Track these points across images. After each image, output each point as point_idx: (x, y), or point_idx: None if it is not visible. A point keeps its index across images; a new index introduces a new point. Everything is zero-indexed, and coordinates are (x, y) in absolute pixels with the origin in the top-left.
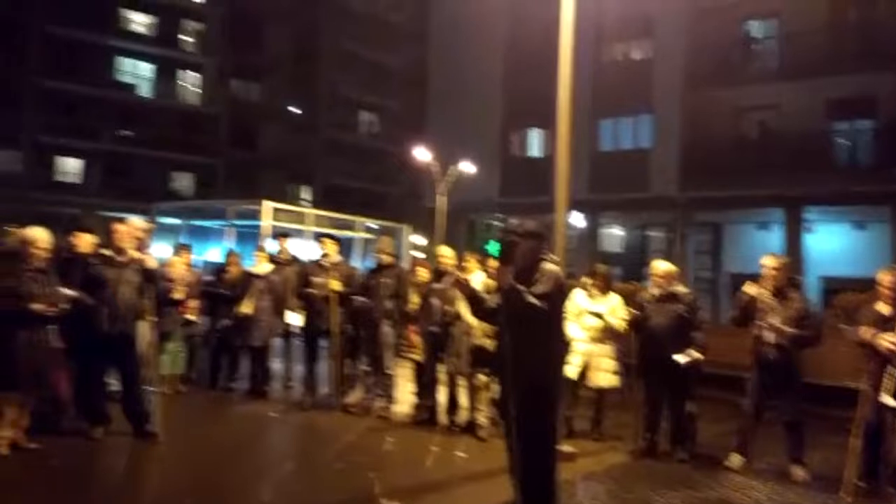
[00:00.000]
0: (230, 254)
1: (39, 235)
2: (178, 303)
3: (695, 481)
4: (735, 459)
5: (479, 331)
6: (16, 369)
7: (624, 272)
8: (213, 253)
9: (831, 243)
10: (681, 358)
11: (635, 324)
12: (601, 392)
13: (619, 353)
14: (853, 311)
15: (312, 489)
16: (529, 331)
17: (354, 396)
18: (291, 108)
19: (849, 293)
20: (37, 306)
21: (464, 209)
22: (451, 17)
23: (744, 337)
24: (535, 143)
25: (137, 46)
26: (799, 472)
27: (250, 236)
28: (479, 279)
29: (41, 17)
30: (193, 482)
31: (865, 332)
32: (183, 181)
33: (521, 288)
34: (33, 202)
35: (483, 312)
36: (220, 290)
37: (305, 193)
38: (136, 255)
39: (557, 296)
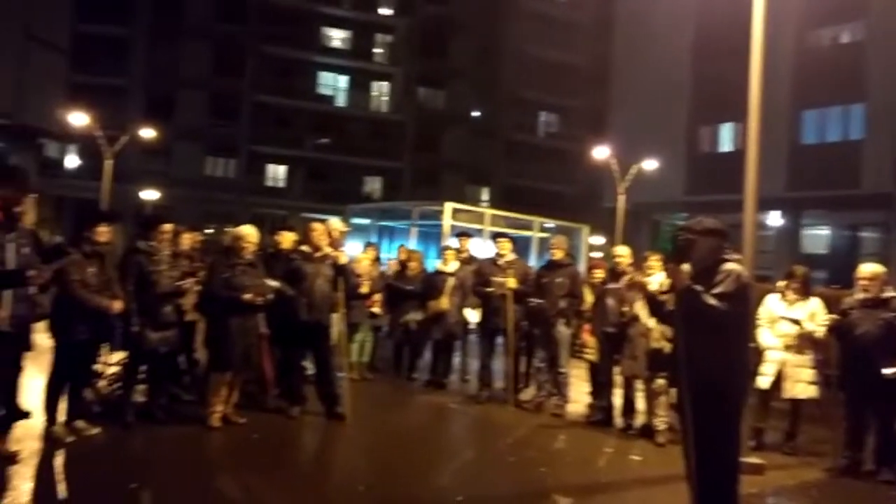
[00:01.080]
0: (411, 251)
1: (248, 232)
2: (365, 296)
3: None
4: None
5: (657, 333)
6: (230, 352)
7: (829, 276)
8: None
9: None
10: (890, 371)
11: (838, 331)
12: (796, 404)
13: (818, 362)
14: None
15: (486, 479)
16: (707, 334)
17: (528, 393)
18: (473, 113)
19: None
20: (247, 296)
21: (646, 209)
22: (636, 10)
23: None
24: (726, 138)
25: (336, 60)
26: None
27: (433, 235)
28: (658, 280)
29: (257, 37)
30: (376, 462)
31: None
32: (374, 184)
33: (699, 289)
34: (247, 205)
35: (662, 315)
36: (402, 286)
37: (484, 194)
38: (331, 251)
39: (740, 298)
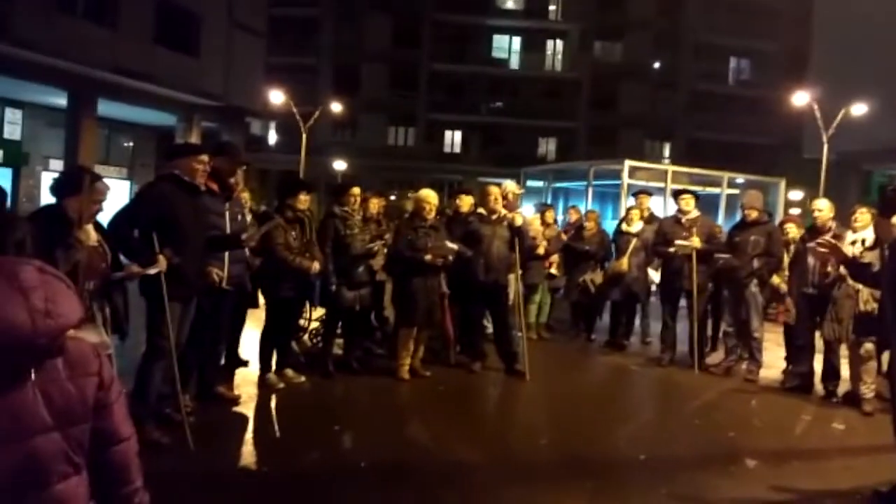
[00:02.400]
0: (588, 211)
1: (429, 195)
2: (542, 257)
3: None
4: None
5: (866, 294)
6: (414, 309)
7: None
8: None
9: None
10: None
11: None
12: None
13: None
14: None
15: (670, 440)
16: None
17: (715, 357)
18: (653, 65)
19: None
20: (428, 257)
21: (854, 158)
22: None
23: None
24: None
25: (510, 22)
26: None
27: (610, 195)
28: (869, 236)
29: (433, 5)
30: (556, 418)
31: None
32: (548, 146)
33: None
34: (426, 171)
35: (863, 277)
36: (580, 246)
37: (665, 150)
38: (506, 213)
39: None
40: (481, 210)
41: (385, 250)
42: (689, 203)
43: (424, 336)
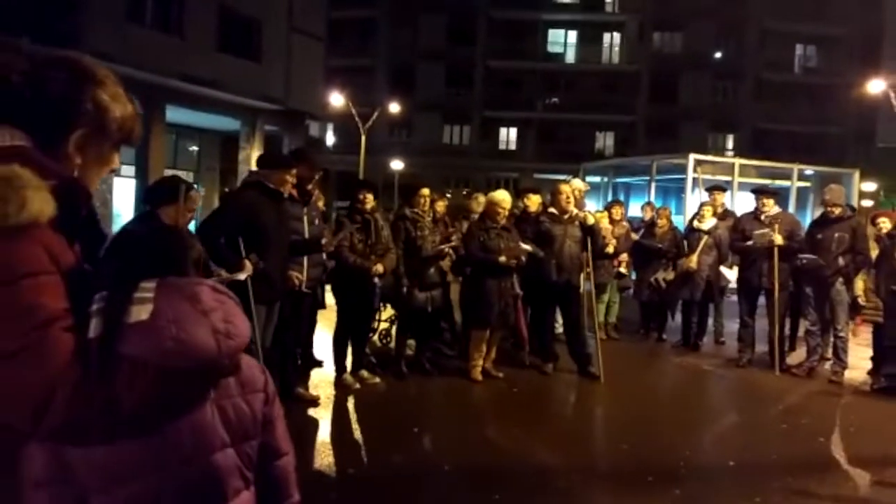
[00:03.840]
0: (660, 209)
1: (502, 197)
2: (612, 256)
3: None
4: None
5: None
6: (488, 311)
7: None
8: (635, 208)
9: None
10: None
11: None
12: None
13: None
14: None
15: (757, 445)
16: None
17: (797, 358)
18: (715, 55)
19: None
20: (502, 258)
21: None
22: None
23: None
24: None
25: (565, 16)
26: None
27: (673, 190)
28: None
29: (486, 2)
30: (634, 421)
31: None
32: (606, 140)
33: None
34: (481, 169)
35: None
36: (652, 243)
37: (729, 142)
38: (578, 212)
39: None
40: (552, 209)
41: (452, 252)
42: (770, 207)
43: (497, 337)
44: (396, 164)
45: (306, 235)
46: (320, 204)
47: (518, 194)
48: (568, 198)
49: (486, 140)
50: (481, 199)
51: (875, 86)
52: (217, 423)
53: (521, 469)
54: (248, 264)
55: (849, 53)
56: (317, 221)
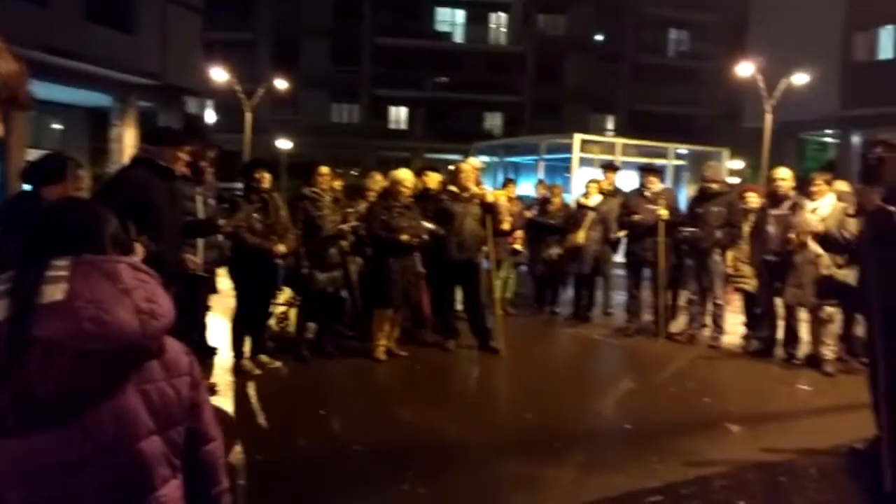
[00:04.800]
0: (552, 186)
1: (405, 176)
2: (507, 233)
3: None
4: None
5: (826, 259)
6: (391, 290)
7: None
8: (526, 187)
9: None
10: None
11: None
12: None
13: None
14: None
15: (651, 409)
16: None
17: (679, 325)
18: (596, 37)
19: None
20: (405, 237)
21: (791, 128)
22: None
23: None
24: (887, 43)
25: None
26: None
27: (560, 169)
28: (829, 203)
29: None
30: (537, 392)
31: None
32: (494, 120)
33: (893, 209)
34: (372, 148)
35: (838, 246)
36: (546, 220)
37: (609, 123)
38: (478, 190)
39: None
40: (452, 188)
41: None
42: (655, 184)
43: (400, 316)
44: (283, 144)
45: (201, 216)
46: (213, 180)
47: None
48: (469, 176)
49: (376, 119)
50: (378, 177)
51: (744, 69)
52: (141, 409)
53: (431, 444)
54: (138, 247)
55: (718, 38)
56: (211, 201)
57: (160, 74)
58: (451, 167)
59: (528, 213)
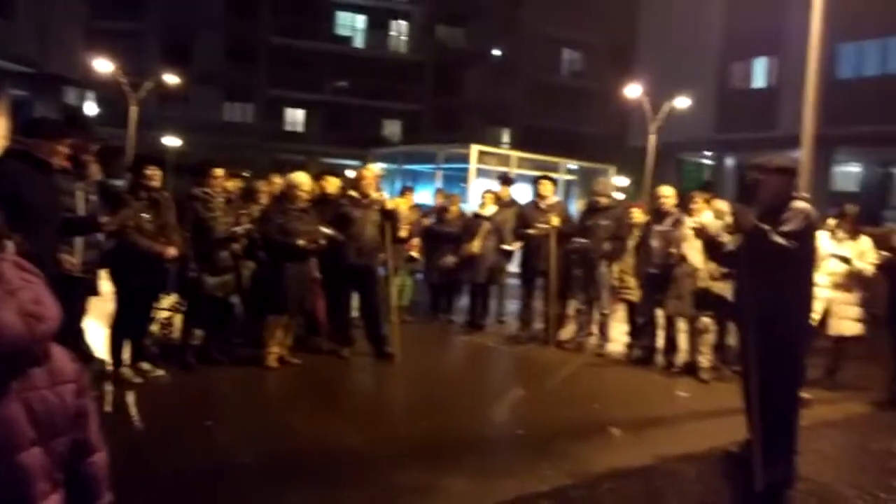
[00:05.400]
0: (451, 195)
1: (302, 180)
2: (404, 241)
3: None
4: None
5: (704, 273)
6: (285, 296)
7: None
8: (423, 195)
9: None
10: None
11: (887, 269)
12: (840, 341)
13: (864, 300)
14: None
15: (542, 414)
16: (774, 273)
17: (568, 333)
18: (494, 52)
19: None
20: (301, 242)
21: (672, 148)
22: None
23: None
24: (759, 73)
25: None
26: None
27: (457, 179)
28: (707, 219)
29: None
30: (431, 399)
31: None
32: (392, 127)
33: (766, 227)
34: (266, 150)
35: (720, 256)
36: (444, 229)
37: (505, 136)
38: (378, 196)
39: (808, 235)
40: (353, 193)
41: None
42: (547, 188)
43: (293, 323)
44: (170, 141)
45: (81, 213)
46: (97, 176)
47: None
48: (370, 182)
49: (271, 120)
50: (276, 180)
51: (631, 91)
52: (22, 418)
53: (324, 454)
54: (9, 245)
55: (607, 60)
56: (93, 198)
57: (37, 62)
58: (351, 172)
59: (426, 222)
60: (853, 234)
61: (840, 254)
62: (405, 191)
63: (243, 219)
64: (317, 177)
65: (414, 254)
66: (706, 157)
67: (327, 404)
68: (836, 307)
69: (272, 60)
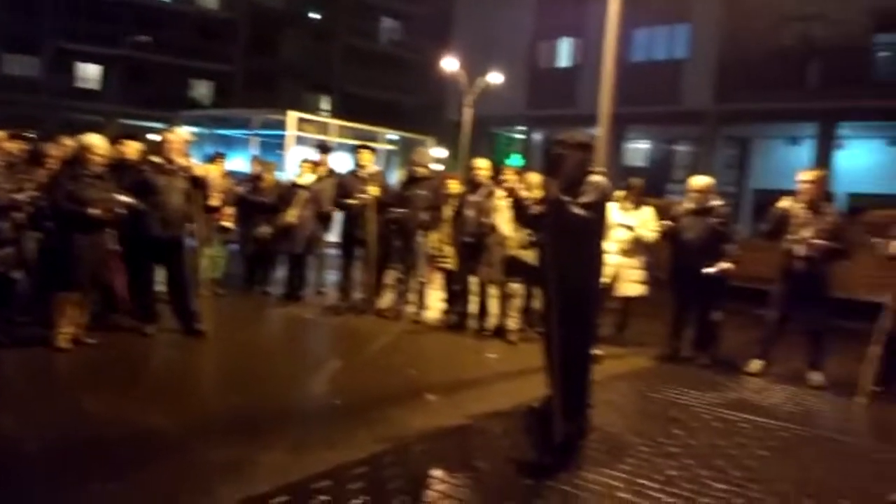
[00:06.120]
0: (265, 163)
1: (96, 142)
2: (215, 210)
3: (716, 383)
4: (755, 365)
5: (513, 242)
6: (76, 271)
7: (647, 186)
8: (237, 162)
9: (861, 160)
10: (710, 269)
11: (668, 236)
12: (627, 301)
13: (648, 264)
14: (884, 227)
15: (360, 383)
16: (574, 241)
17: (386, 302)
18: (311, 14)
19: (878, 209)
20: (94, 211)
21: (487, 122)
22: None
23: (768, 251)
24: (564, 53)
25: None
26: (816, 378)
27: (273, 146)
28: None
29: None
30: (244, 375)
31: None
32: (201, 89)
33: (567, 199)
34: (55, 108)
35: (526, 219)
36: (258, 198)
37: (324, 103)
38: (185, 162)
39: (602, 207)
40: (156, 158)
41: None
42: (367, 158)
43: (88, 300)
44: None
45: None
46: None
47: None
48: (176, 147)
49: (60, 75)
50: (67, 142)
51: (448, 63)
52: None
53: (126, 437)
54: None
55: (426, 31)
56: None
57: None
58: (154, 136)
59: (239, 190)
60: (638, 205)
61: (626, 223)
62: (216, 157)
63: (27, 185)
64: (114, 140)
65: (227, 224)
66: (519, 133)
67: (128, 385)
68: (622, 271)
69: (61, 10)
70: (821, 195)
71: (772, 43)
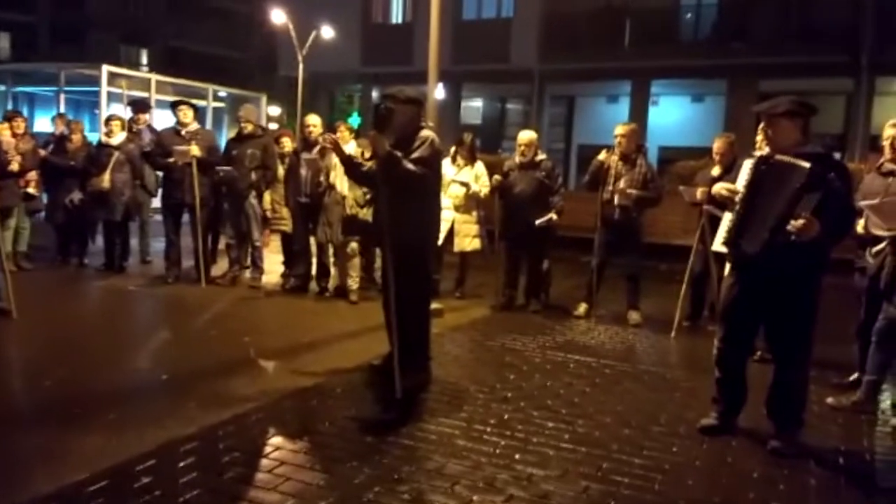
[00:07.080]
0: (72, 122)
1: None
2: (16, 175)
3: (547, 328)
4: (581, 308)
5: (350, 200)
6: None
7: (483, 143)
8: (44, 122)
9: (671, 116)
10: (539, 220)
11: (499, 191)
12: (464, 255)
13: (482, 219)
14: (689, 177)
15: (188, 355)
16: (407, 197)
17: (220, 269)
18: None
19: (685, 161)
20: None
21: (323, 79)
22: None
23: (591, 202)
24: (397, 10)
25: None
26: (635, 317)
27: (85, 104)
28: (351, 149)
29: None
30: (60, 355)
31: (702, 192)
32: (1, 41)
33: (399, 154)
34: None
35: (358, 176)
36: (64, 161)
37: (143, 57)
38: None
39: (434, 161)
40: None
41: None
42: (187, 115)
43: None
44: None
45: None
46: None
47: None
48: None
49: None
50: None
51: (276, 16)
52: None
53: None
54: None
55: None
56: None
57: None
58: None
59: (43, 153)
60: (470, 161)
61: (459, 179)
62: (13, 116)
63: None
64: None
65: (31, 190)
66: (356, 90)
67: None
68: (458, 226)
69: None
70: (633, 148)
71: (590, 4)
